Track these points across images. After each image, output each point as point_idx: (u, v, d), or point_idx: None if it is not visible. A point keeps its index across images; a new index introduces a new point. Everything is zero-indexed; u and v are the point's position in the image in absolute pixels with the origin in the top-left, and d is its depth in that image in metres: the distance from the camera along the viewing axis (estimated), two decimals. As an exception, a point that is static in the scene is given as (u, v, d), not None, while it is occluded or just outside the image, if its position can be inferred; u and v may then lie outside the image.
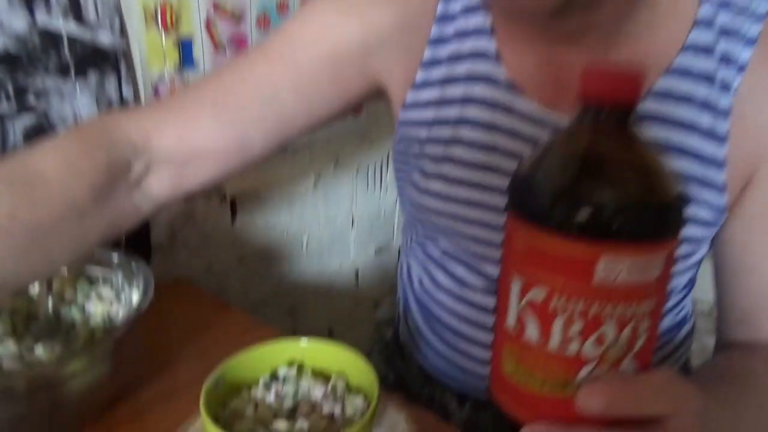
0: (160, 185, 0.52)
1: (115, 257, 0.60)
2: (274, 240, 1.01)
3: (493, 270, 0.55)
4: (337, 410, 0.46)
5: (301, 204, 1.02)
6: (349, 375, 0.49)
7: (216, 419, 0.43)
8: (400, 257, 0.70)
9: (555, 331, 0.30)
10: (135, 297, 0.58)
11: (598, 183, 0.29)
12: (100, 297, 0.60)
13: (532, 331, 0.31)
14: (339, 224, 1.12)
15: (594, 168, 0.29)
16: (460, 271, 0.58)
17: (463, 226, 0.54)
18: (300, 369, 0.50)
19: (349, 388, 0.49)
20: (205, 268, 0.92)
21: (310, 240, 1.07)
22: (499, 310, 0.34)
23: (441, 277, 0.60)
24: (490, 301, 0.56)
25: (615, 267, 0.28)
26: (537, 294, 0.30)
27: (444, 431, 0.54)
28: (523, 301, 0.31)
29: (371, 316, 1.27)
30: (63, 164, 0.45)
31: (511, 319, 0.32)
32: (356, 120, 1.06)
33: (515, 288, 0.31)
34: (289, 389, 0.48)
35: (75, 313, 0.59)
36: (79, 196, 0.45)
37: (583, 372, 0.30)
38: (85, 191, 0.45)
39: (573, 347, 0.30)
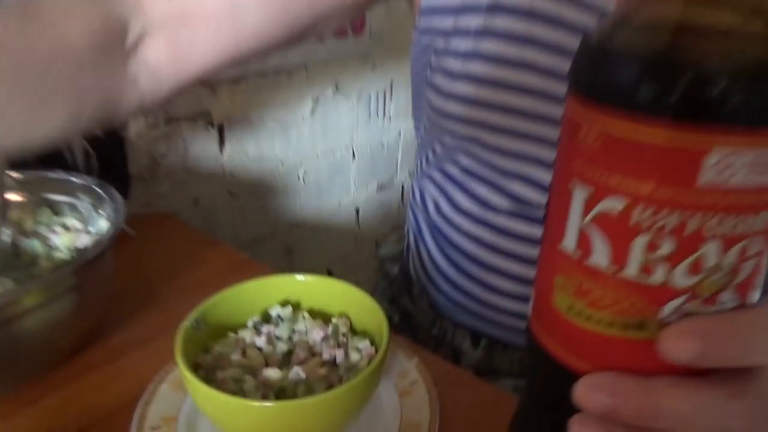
0: (155, 52, 0.46)
1: (80, 180, 0.53)
2: (267, 172, 0.92)
3: (520, 189, 0.49)
4: (339, 356, 0.39)
5: (297, 133, 0.94)
6: (353, 316, 0.43)
7: (196, 366, 0.37)
8: (412, 184, 0.63)
9: (634, 254, 0.22)
10: (105, 227, 0.51)
11: (708, 44, 0.20)
12: (65, 227, 0.53)
13: (600, 255, 0.23)
14: (339, 156, 1.03)
15: (701, 24, 0.21)
16: (482, 191, 0.51)
17: (490, 135, 0.47)
18: (296, 309, 0.43)
19: (353, 331, 0.43)
20: (191, 202, 0.84)
21: (307, 173, 0.98)
22: (551, 230, 0.26)
23: (461, 198, 0.53)
24: (515, 225, 0.50)
25: (730, 163, 0.20)
26: (612, 205, 0.22)
27: (459, 378, 0.48)
28: (590, 216, 0.23)
29: (372, 257, 1.21)
30: (57, 5, 0.40)
31: (569, 241, 0.24)
32: (357, 41, 0.96)
33: (578, 199, 0.24)
34: (282, 332, 0.41)
35: (37, 246, 0.51)
36: (74, 40, 0.40)
37: (669, 307, 0.23)
38: (81, 37, 0.40)
39: (658, 275, 0.22)
